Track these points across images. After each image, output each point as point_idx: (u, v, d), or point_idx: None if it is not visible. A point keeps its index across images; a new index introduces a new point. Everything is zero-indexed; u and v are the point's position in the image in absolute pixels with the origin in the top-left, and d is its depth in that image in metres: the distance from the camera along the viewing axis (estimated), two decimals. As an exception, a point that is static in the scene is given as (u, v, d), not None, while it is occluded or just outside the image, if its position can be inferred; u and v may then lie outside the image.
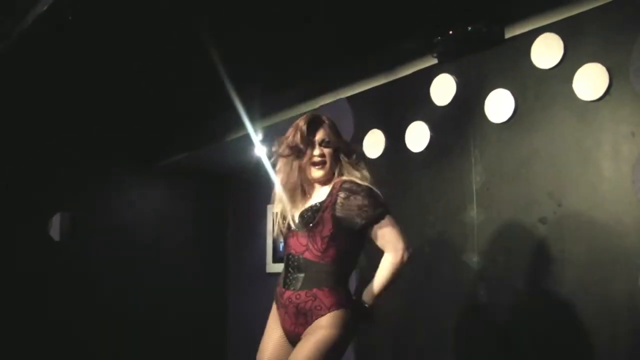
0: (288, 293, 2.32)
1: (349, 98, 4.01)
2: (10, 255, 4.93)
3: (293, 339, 2.31)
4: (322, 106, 4.19)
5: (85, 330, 5.17)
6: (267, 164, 5.50)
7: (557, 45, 2.87)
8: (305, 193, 2.45)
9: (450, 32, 3.23)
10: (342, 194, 2.30)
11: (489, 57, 3.20)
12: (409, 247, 2.29)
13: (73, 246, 5.29)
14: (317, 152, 2.42)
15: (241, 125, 4.71)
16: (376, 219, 2.27)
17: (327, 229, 2.29)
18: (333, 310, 2.22)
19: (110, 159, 5.57)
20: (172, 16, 3.36)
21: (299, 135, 2.43)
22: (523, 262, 2.95)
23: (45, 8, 3.13)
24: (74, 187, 5.35)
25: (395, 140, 3.63)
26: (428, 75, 3.47)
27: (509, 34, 3.11)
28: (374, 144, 3.75)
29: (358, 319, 2.32)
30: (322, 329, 2.20)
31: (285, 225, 2.42)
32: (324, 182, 2.44)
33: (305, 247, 2.32)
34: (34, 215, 5.15)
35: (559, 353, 2.77)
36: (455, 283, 3.23)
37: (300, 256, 2.32)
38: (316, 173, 2.42)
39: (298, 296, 2.28)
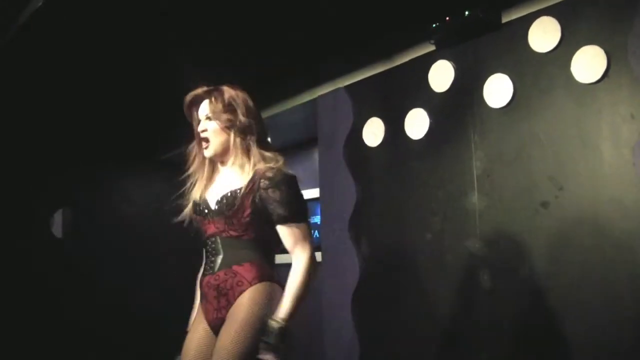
0: (207, 278, 2.20)
1: (347, 87, 4.00)
2: (12, 250, 4.94)
3: (218, 328, 2.13)
4: (320, 96, 4.19)
5: (87, 325, 5.19)
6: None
7: (555, 28, 2.86)
8: (211, 178, 2.33)
9: (447, 19, 3.22)
10: (263, 183, 2.12)
11: (486, 42, 3.19)
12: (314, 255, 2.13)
13: (75, 241, 5.31)
14: (200, 127, 2.28)
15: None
16: (295, 219, 2.12)
17: (246, 214, 2.13)
18: (255, 284, 2.09)
19: (111, 153, 5.57)
20: (171, 7, 3.35)
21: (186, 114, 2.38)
22: (526, 247, 2.95)
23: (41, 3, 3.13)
24: (75, 181, 5.36)
25: (394, 128, 3.63)
26: (426, 62, 3.46)
27: (505, 18, 3.09)
28: (373, 132, 3.74)
29: (274, 345, 2.00)
30: (245, 306, 2.05)
31: (197, 211, 2.30)
32: (232, 164, 2.24)
33: (223, 230, 2.19)
34: (35, 210, 5.16)
35: (562, 338, 2.77)
36: (458, 269, 3.23)
37: (218, 237, 2.20)
38: (205, 152, 2.28)
39: (217, 277, 2.15)
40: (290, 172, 2.22)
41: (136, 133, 5.59)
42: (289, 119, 4.74)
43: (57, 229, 5.30)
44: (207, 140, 2.25)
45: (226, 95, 2.28)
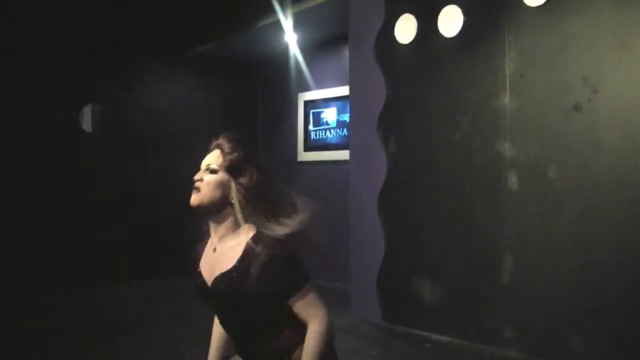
0: None
1: (380, -19, 3.88)
2: (41, 143, 5.01)
3: None
4: (352, -10, 4.08)
5: (113, 220, 5.32)
6: (297, 51, 5.46)
7: None
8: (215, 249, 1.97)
9: None
10: (257, 262, 1.82)
11: None
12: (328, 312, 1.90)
13: (103, 135, 5.38)
14: (197, 176, 1.96)
15: (271, 11, 4.62)
16: (296, 290, 1.87)
17: (243, 302, 1.88)
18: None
19: (139, 48, 5.54)
20: None
21: None
22: (556, 149, 2.94)
23: None
24: (103, 76, 5.36)
25: (427, 25, 3.54)
26: (462, -44, 3.32)
27: None
28: (405, 28, 3.66)
29: None
30: None
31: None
32: (225, 230, 1.94)
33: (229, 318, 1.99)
34: (65, 104, 5.18)
35: (588, 238, 2.81)
36: (485, 170, 3.25)
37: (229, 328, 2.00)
38: (191, 200, 1.91)
39: None
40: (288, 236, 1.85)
41: (165, 29, 5.53)
42: (319, 15, 4.64)
43: (86, 124, 5.36)
44: (197, 189, 1.94)
45: (232, 145, 2.01)
